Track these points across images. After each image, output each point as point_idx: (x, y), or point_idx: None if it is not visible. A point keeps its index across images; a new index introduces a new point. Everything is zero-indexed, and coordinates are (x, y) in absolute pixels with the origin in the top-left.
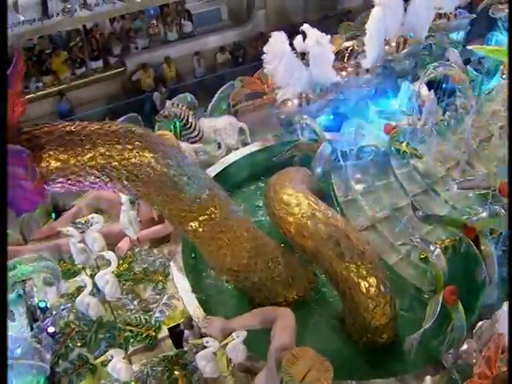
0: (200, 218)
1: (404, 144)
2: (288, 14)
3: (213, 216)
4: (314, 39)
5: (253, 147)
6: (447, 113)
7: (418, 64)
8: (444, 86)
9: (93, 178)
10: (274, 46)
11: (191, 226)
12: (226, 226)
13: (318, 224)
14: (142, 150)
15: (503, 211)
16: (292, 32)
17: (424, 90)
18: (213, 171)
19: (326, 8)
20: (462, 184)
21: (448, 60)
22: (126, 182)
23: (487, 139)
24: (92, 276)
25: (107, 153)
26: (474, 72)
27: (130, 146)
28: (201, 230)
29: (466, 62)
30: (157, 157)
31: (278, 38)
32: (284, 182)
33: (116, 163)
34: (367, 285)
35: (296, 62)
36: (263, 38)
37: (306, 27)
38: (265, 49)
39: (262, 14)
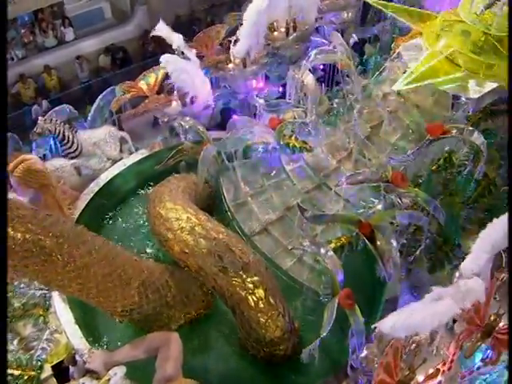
0: (79, 277)
1: (293, 138)
2: (173, 7)
3: (93, 270)
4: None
5: (138, 156)
6: (335, 100)
7: (310, 48)
8: (330, 72)
9: None
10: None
11: (72, 288)
12: (111, 274)
13: (198, 239)
14: None
15: (399, 201)
16: (179, 25)
17: (309, 79)
18: (96, 186)
19: None
20: (351, 179)
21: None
22: None
23: (378, 126)
24: None
25: None
26: (373, 49)
27: None
28: (85, 289)
29: (363, 41)
30: (13, 224)
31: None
32: (163, 194)
33: None
34: (255, 298)
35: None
36: (148, 36)
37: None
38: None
39: (144, 9)
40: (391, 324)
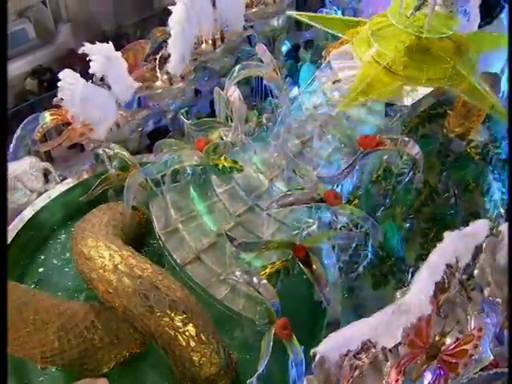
0: None
1: (222, 158)
2: (98, 23)
3: None
4: (100, 58)
5: (64, 186)
6: (264, 115)
7: (240, 59)
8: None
9: None
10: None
11: None
12: (23, 321)
13: (121, 278)
14: None
15: (335, 219)
16: (105, 41)
17: (234, 95)
18: (21, 221)
19: (140, 10)
20: (281, 201)
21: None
22: None
23: (310, 140)
24: None
25: None
26: (307, 55)
27: None
28: None
29: (296, 47)
30: None
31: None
32: (84, 230)
33: None
34: (185, 337)
35: (100, 91)
36: (74, 55)
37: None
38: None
39: (67, 28)
40: (325, 344)
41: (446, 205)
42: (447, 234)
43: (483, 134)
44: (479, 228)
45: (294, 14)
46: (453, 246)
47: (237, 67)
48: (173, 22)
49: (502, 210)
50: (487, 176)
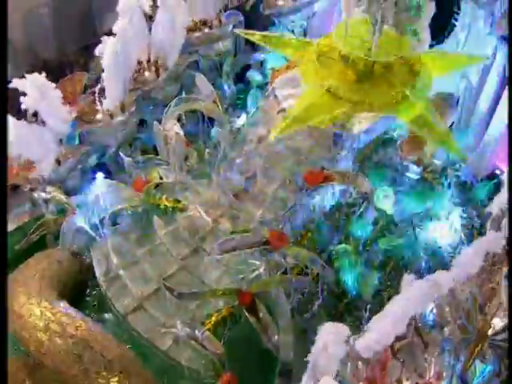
0: None
1: (164, 198)
2: (38, 51)
3: None
4: (34, 94)
5: None
6: (206, 151)
7: (185, 86)
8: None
9: None
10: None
11: None
12: None
13: (53, 338)
14: None
15: (285, 262)
16: (47, 71)
17: (172, 131)
18: None
19: (83, 36)
20: (224, 246)
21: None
22: None
23: (254, 175)
24: None
25: None
26: (258, 77)
27: None
28: None
29: (247, 67)
30: None
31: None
32: (17, 283)
33: None
34: None
35: (34, 128)
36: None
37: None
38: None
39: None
40: None
41: (403, 235)
42: (415, 282)
43: (440, 158)
44: (450, 280)
45: (242, 32)
46: (420, 295)
47: (173, 102)
48: (106, 55)
49: (464, 236)
50: (446, 202)
